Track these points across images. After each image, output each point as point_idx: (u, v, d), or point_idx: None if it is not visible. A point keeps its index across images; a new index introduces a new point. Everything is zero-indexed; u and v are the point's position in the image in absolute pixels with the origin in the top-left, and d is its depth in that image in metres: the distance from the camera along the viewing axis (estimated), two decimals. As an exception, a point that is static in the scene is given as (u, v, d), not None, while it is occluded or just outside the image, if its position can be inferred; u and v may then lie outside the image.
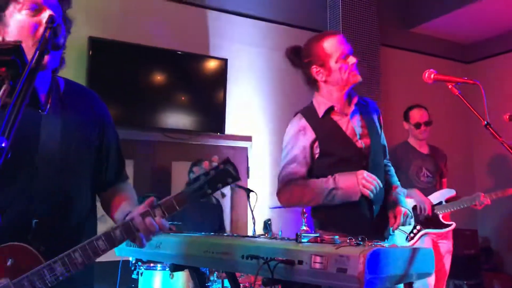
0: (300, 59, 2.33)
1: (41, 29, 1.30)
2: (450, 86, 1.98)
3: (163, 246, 2.12)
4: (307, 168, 2.22)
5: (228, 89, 4.84)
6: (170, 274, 3.24)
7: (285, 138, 2.32)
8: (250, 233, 4.39)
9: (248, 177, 4.98)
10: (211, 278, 3.29)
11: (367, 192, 2.00)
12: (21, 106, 1.02)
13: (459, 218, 4.23)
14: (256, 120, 5.12)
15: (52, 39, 1.16)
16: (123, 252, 2.46)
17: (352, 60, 2.22)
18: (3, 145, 0.94)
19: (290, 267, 1.52)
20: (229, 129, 4.85)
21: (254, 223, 4.02)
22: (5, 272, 1.24)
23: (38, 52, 1.07)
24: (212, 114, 4.79)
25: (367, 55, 5.56)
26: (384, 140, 2.40)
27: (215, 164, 1.38)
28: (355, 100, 2.30)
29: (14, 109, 1.00)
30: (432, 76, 2.04)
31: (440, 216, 3.54)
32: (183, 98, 4.70)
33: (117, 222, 1.44)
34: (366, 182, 2.00)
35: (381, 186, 2.08)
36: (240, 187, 4.42)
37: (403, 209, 2.14)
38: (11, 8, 1.34)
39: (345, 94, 2.27)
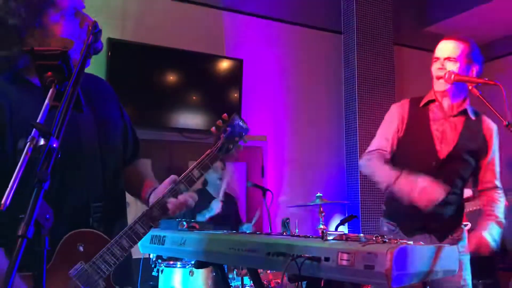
0: None
1: (80, 33, 1.39)
2: (470, 87, 2.01)
3: (187, 243, 2.17)
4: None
5: (244, 89, 4.90)
6: (190, 272, 3.30)
7: None
8: (266, 231, 4.44)
9: (262, 176, 5.03)
10: (230, 276, 3.34)
11: (422, 206, 1.98)
12: (68, 109, 1.08)
13: (474, 218, 4.23)
14: (271, 120, 5.16)
15: (93, 44, 1.21)
16: (147, 249, 2.51)
17: (436, 65, 2.26)
18: (54, 145, 1.00)
19: (316, 264, 1.56)
20: (244, 129, 4.90)
21: (270, 222, 4.07)
22: (79, 257, 1.36)
23: (83, 57, 1.12)
24: (228, 114, 4.83)
25: (381, 54, 5.58)
26: (493, 162, 2.32)
27: (226, 121, 1.54)
28: (462, 107, 2.28)
29: (63, 111, 1.05)
30: (452, 77, 2.07)
31: (456, 215, 3.54)
32: (199, 98, 4.76)
33: (144, 200, 1.58)
34: (424, 194, 1.98)
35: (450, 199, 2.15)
36: (256, 186, 4.47)
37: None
38: (50, 13, 1.38)
39: (451, 98, 2.28)
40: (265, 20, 5.23)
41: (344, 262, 1.49)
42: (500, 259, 5.96)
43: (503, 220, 2.26)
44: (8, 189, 0.90)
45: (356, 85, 5.40)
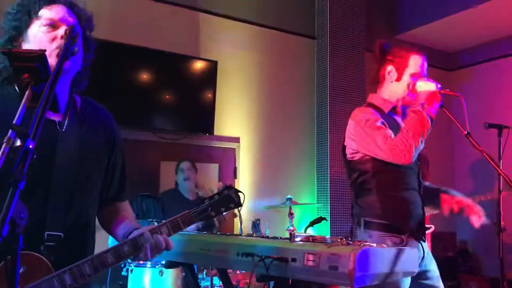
0: (383, 54, 2.52)
1: (56, 42, 1.39)
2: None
3: (159, 243, 2.19)
4: None
5: (218, 91, 4.93)
6: (159, 272, 3.31)
7: (357, 123, 2.31)
8: (236, 232, 4.48)
9: (235, 177, 5.07)
10: (199, 276, 3.38)
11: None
12: (44, 110, 1.10)
13: (438, 221, 4.38)
14: (244, 121, 5.22)
15: (71, 47, 1.24)
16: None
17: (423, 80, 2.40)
18: (30, 146, 1.02)
19: (284, 264, 1.62)
20: (217, 130, 4.94)
21: (241, 223, 4.11)
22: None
23: (61, 59, 1.14)
24: (202, 115, 4.87)
25: (352, 60, 5.71)
26: None
27: (219, 189, 1.55)
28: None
29: (39, 113, 1.07)
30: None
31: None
32: (173, 98, 4.77)
33: (117, 237, 1.54)
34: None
35: None
36: (229, 186, 4.49)
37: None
38: (33, 25, 1.43)
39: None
40: (241, 23, 5.27)
41: (310, 263, 1.55)
42: (462, 262, 6.18)
43: None
44: None
45: (328, 90, 5.50)
